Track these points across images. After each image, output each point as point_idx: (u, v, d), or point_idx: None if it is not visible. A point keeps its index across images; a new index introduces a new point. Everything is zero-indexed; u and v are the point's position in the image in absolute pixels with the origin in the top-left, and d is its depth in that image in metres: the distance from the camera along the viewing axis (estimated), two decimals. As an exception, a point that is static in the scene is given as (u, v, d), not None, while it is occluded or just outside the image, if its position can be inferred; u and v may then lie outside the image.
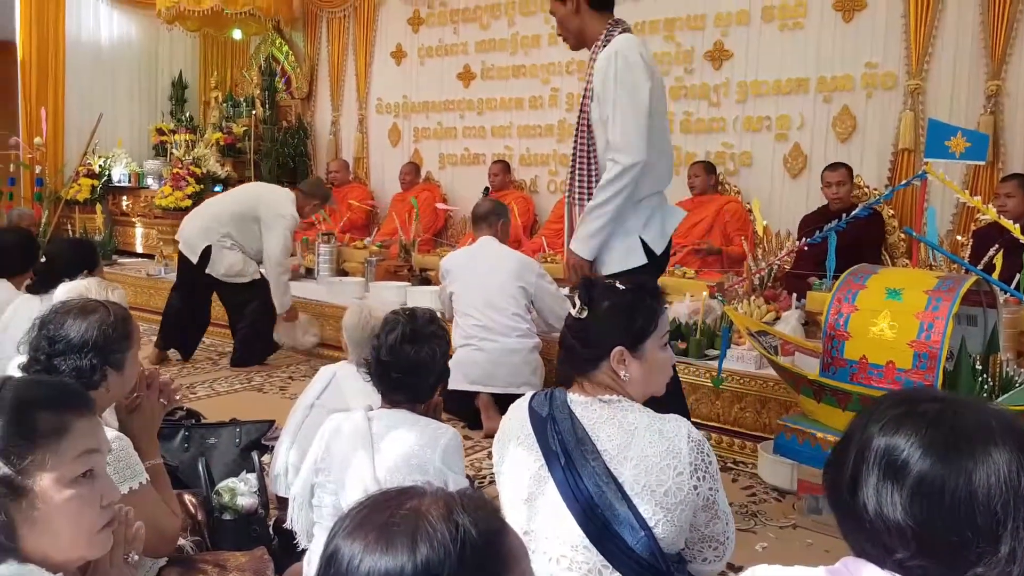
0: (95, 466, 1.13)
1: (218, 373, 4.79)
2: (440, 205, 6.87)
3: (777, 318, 4.15)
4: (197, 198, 7.36)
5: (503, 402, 3.77)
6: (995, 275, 2.91)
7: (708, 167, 5.66)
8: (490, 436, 3.72)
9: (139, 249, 8.22)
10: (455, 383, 3.46)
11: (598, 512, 1.52)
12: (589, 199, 2.75)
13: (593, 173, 2.79)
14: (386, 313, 2.07)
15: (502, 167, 6.70)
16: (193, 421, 2.91)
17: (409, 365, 1.91)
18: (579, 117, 2.87)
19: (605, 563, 1.51)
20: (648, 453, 1.54)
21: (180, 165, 7.45)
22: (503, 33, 6.90)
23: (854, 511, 0.94)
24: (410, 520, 0.77)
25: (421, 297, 5.15)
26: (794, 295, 4.18)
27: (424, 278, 5.68)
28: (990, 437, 0.90)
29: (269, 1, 7.50)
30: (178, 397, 2.03)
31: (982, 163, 3.12)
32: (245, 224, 4.90)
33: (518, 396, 3.58)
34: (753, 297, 4.41)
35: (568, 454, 1.57)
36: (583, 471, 1.55)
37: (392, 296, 5.15)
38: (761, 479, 3.14)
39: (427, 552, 0.75)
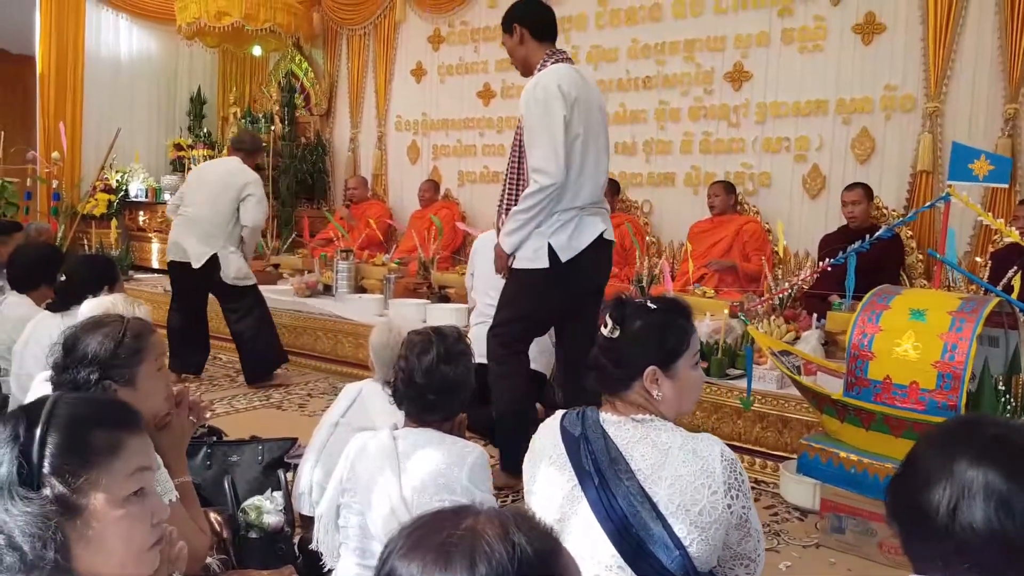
0: (146, 484, 1.12)
1: (236, 390, 4.80)
2: (460, 225, 6.92)
3: (797, 338, 4.17)
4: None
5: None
6: (1014, 296, 2.92)
7: (728, 187, 5.68)
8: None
9: (155, 264, 8.29)
10: None
11: (632, 532, 1.52)
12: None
13: (520, 187, 3.15)
14: (411, 332, 2.03)
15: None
16: (215, 438, 2.88)
17: (446, 385, 1.92)
18: (515, 136, 3.21)
19: None
20: (682, 472, 1.55)
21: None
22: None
23: (947, 534, 0.98)
24: (467, 540, 0.78)
25: (441, 314, 5.19)
26: (814, 315, 4.20)
27: (443, 295, 5.72)
28: None
29: (290, 18, 7.59)
30: (208, 415, 2.05)
31: (1005, 186, 3.14)
32: (234, 217, 4.97)
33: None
34: (773, 317, 4.43)
35: (602, 474, 1.57)
36: (617, 491, 1.55)
37: (412, 313, 5.19)
38: (783, 498, 3.15)
39: (486, 571, 0.75)
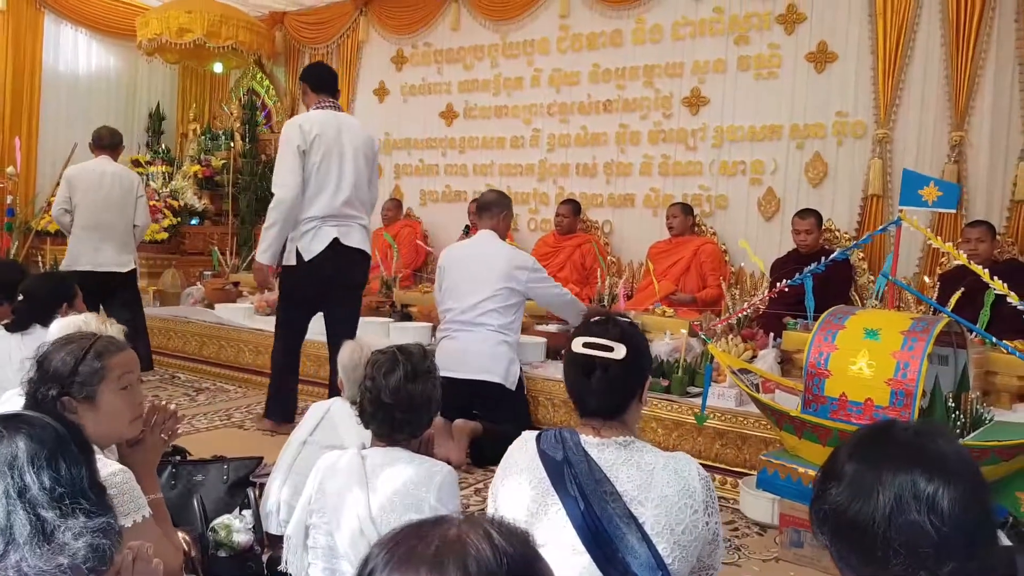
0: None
1: (196, 409, 4.74)
2: (420, 243, 6.94)
3: (754, 356, 4.26)
4: (174, 231, 7.36)
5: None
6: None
7: (686, 208, 5.80)
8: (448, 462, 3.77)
9: (112, 282, 8.15)
10: None
11: (619, 556, 1.54)
12: None
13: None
14: (375, 352, 2.03)
15: (478, 204, 6.80)
16: (179, 458, 2.86)
17: (414, 404, 1.93)
18: None
19: None
20: (667, 493, 1.57)
21: (156, 197, 7.42)
22: (486, 74, 7.06)
23: (884, 542, 1.03)
24: (456, 547, 0.79)
25: (404, 333, 5.19)
26: (771, 334, 4.30)
27: (405, 314, 5.72)
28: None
29: (252, 36, 7.57)
30: (179, 430, 2.04)
31: (953, 211, 3.28)
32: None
33: (484, 384, 3.69)
34: (731, 336, 4.53)
35: (587, 497, 1.57)
36: (603, 514, 1.56)
37: (375, 332, 5.18)
38: (743, 514, 3.22)
39: (479, 574, 0.78)
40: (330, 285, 4.10)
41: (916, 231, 3.30)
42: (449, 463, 3.78)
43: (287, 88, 8.37)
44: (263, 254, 4.09)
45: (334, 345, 4.03)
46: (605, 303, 5.29)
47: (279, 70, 8.47)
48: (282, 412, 4.27)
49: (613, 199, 6.45)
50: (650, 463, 1.64)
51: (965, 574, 1.02)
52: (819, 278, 4.53)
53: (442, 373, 3.91)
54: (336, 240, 4.03)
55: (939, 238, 2.84)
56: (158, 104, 9.05)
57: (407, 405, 1.91)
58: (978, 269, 2.60)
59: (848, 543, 1.07)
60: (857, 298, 5.04)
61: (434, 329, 4.95)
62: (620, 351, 1.64)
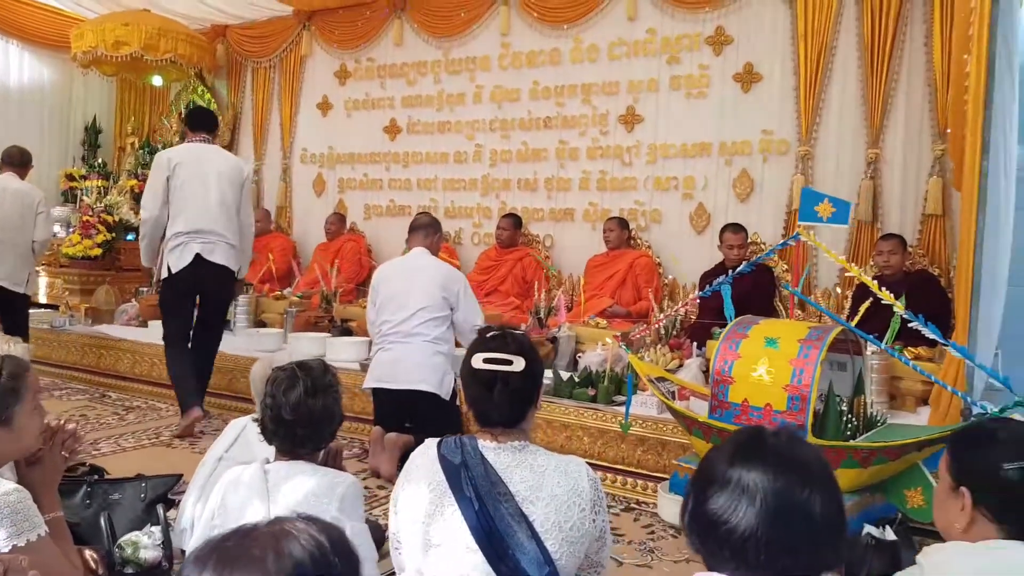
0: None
1: (124, 428, 4.69)
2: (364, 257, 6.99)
3: (681, 365, 4.42)
4: (108, 246, 7.26)
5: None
6: (854, 323, 3.22)
7: (622, 223, 5.96)
8: (376, 475, 3.85)
9: (43, 299, 7.89)
10: (366, 382, 4.21)
11: (510, 553, 1.63)
12: None
13: None
14: (274, 369, 2.04)
15: (411, 225, 6.85)
16: (96, 477, 2.86)
17: (315, 418, 1.96)
18: None
19: None
20: (557, 492, 1.69)
21: (90, 212, 7.30)
22: (429, 90, 7.15)
23: (730, 534, 1.12)
24: (272, 538, 0.86)
25: (342, 348, 5.23)
26: (695, 344, 4.46)
27: (346, 328, 5.76)
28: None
29: (192, 49, 7.51)
30: (81, 447, 2.04)
31: (845, 226, 3.46)
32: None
33: (419, 394, 3.80)
34: (659, 346, 4.68)
35: (481, 499, 1.67)
36: (495, 514, 1.65)
37: (311, 347, 5.21)
38: (660, 517, 3.34)
39: (300, 553, 0.85)
40: (196, 293, 4.73)
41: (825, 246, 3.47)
42: (379, 475, 3.88)
43: (229, 102, 8.35)
44: (143, 260, 4.90)
45: (194, 349, 4.74)
46: (541, 315, 5.41)
47: (221, 83, 8.42)
48: (187, 398, 4.63)
49: (554, 213, 6.58)
50: (542, 465, 1.75)
51: (826, 565, 1.14)
52: (743, 290, 4.72)
53: (377, 384, 4.12)
54: (199, 256, 4.54)
55: (833, 252, 2.99)
56: (95, 117, 8.91)
57: (308, 420, 1.95)
58: (868, 280, 2.77)
59: (721, 545, 1.13)
60: (781, 308, 5.24)
61: (371, 344, 5.01)
62: (519, 364, 1.74)
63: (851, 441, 2.74)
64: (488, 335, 1.84)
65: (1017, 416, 2.09)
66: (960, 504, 1.47)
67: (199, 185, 4.59)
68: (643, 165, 6.14)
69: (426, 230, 4.41)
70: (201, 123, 4.91)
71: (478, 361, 1.77)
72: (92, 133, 8.87)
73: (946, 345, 2.74)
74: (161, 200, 4.57)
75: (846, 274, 4.90)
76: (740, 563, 1.11)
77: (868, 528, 2.66)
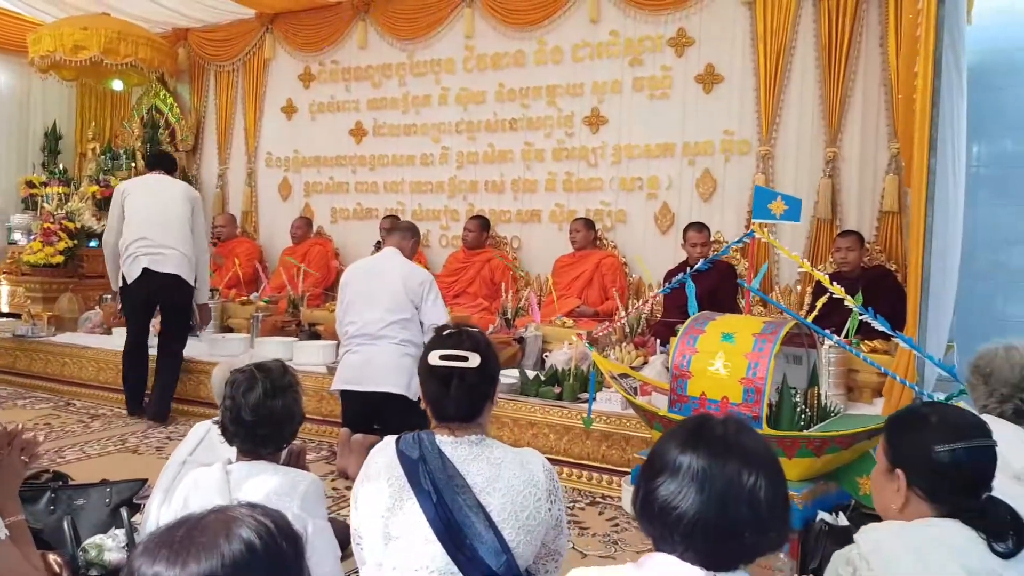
0: None
1: (89, 436, 4.66)
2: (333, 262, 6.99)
3: (645, 362, 4.48)
4: (70, 254, 7.17)
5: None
6: (812, 318, 3.30)
7: (588, 223, 6.02)
8: (344, 476, 3.87)
9: (4, 308, 7.79)
10: (333, 384, 4.20)
11: (467, 543, 1.67)
12: None
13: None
14: (233, 371, 2.06)
15: (392, 221, 6.89)
16: (60, 483, 2.84)
17: (275, 419, 1.99)
18: None
19: None
20: (513, 483, 1.73)
21: (51, 219, 7.19)
22: (394, 92, 7.16)
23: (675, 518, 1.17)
24: (219, 524, 0.89)
25: (310, 352, 5.23)
26: (659, 341, 4.53)
27: (313, 332, 5.75)
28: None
29: (153, 53, 7.41)
30: (42, 452, 2.04)
31: (798, 223, 3.55)
32: None
33: (387, 396, 3.84)
34: (624, 343, 4.74)
35: (439, 491, 1.71)
36: (453, 505, 1.69)
37: (278, 351, 5.18)
38: (624, 510, 3.40)
39: (249, 536, 0.88)
40: (151, 304, 5.10)
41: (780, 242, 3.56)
42: (347, 476, 3.89)
43: (192, 106, 8.28)
44: (111, 281, 5.33)
45: (158, 359, 5.11)
46: (509, 316, 5.45)
47: (183, 87, 8.35)
48: (131, 402, 5.07)
49: (521, 215, 6.62)
50: (499, 458, 1.79)
51: (770, 546, 1.19)
52: (707, 288, 4.80)
53: (345, 386, 4.12)
54: (146, 268, 4.90)
55: (787, 249, 3.07)
56: (54, 123, 8.76)
57: (268, 421, 1.97)
58: (821, 276, 2.85)
59: (672, 529, 1.17)
60: (745, 305, 5.32)
61: (339, 347, 5.01)
62: (475, 360, 1.78)
63: (805, 431, 2.81)
64: (444, 333, 1.87)
65: (963, 404, 2.16)
66: (896, 485, 1.54)
67: (150, 203, 5.03)
68: (608, 166, 6.21)
69: (403, 233, 4.44)
70: (159, 162, 5.36)
71: (435, 358, 1.80)
72: (52, 139, 8.72)
73: (895, 337, 2.82)
74: (116, 228, 5.03)
75: (805, 270, 5.01)
76: (689, 546, 1.16)
77: (822, 515, 2.74)
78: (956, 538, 1.42)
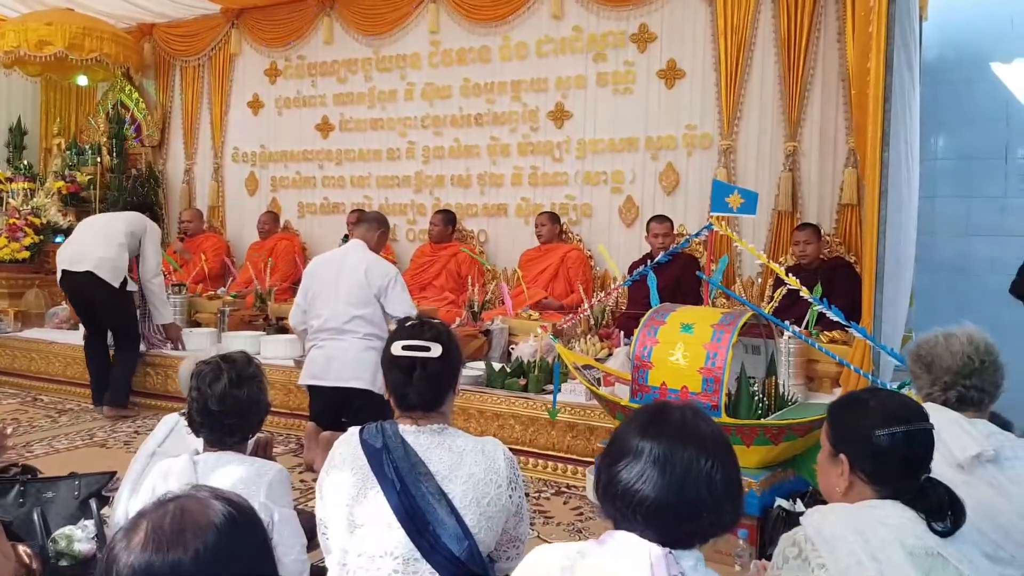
0: None
1: (57, 430, 4.65)
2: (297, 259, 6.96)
3: (610, 354, 4.55)
4: (36, 249, 7.10)
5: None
6: (770, 309, 3.39)
7: (553, 217, 6.08)
8: (310, 468, 3.90)
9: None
10: (301, 379, 4.21)
11: (430, 529, 1.72)
12: None
13: None
14: (199, 363, 2.10)
15: (360, 215, 6.88)
16: (29, 476, 2.85)
17: (241, 408, 2.02)
18: None
19: (432, 570, 1.71)
20: (475, 471, 1.78)
21: (17, 215, 7.12)
22: (360, 87, 7.15)
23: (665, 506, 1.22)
24: (193, 502, 0.95)
25: (276, 346, 5.23)
26: (623, 333, 4.60)
27: (280, 327, 5.74)
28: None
29: (118, 48, 7.33)
30: (11, 444, 2.06)
31: (754, 216, 3.63)
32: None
33: (351, 391, 3.87)
34: (589, 336, 4.81)
35: (403, 479, 1.75)
36: (416, 492, 1.74)
37: (244, 346, 5.17)
38: (588, 500, 3.46)
39: (227, 511, 0.94)
40: (79, 302, 5.39)
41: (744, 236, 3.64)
42: (313, 468, 3.91)
43: (158, 101, 8.20)
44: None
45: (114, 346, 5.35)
46: (476, 310, 5.49)
47: (149, 83, 8.27)
48: (95, 393, 5.20)
49: (487, 209, 6.66)
50: (460, 446, 1.84)
51: (724, 526, 1.25)
52: (670, 280, 4.88)
53: (311, 381, 4.15)
54: (64, 271, 5.26)
55: (745, 242, 3.15)
56: (19, 118, 8.63)
57: (234, 411, 2.01)
58: (777, 268, 2.94)
59: (635, 511, 1.23)
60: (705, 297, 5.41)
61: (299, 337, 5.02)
62: (436, 349, 1.83)
63: (763, 419, 2.89)
64: (407, 324, 1.91)
65: (911, 392, 2.25)
66: (839, 469, 1.61)
67: (92, 222, 5.57)
68: (573, 160, 6.27)
69: (369, 224, 4.45)
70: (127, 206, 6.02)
71: (397, 348, 1.84)
72: (17, 134, 8.59)
73: (849, 327, 2.91)
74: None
75: (782, 260, 5.11)
76: (649, 525, 1.23)
77: (780, 501, 2.82)
78: (897, 518, 1.49)
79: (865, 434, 1.56)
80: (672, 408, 1.34)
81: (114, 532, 0.96)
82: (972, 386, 1.96)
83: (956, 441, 1.87)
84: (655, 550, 1.20)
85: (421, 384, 1.82)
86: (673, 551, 1.21)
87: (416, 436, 1.83)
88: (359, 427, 1.91)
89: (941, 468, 1.69)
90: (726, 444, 1.29)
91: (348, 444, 1.88)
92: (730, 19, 5.65)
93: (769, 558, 2.70)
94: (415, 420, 1.86)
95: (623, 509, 1.25)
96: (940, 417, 1.80)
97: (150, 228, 5.46)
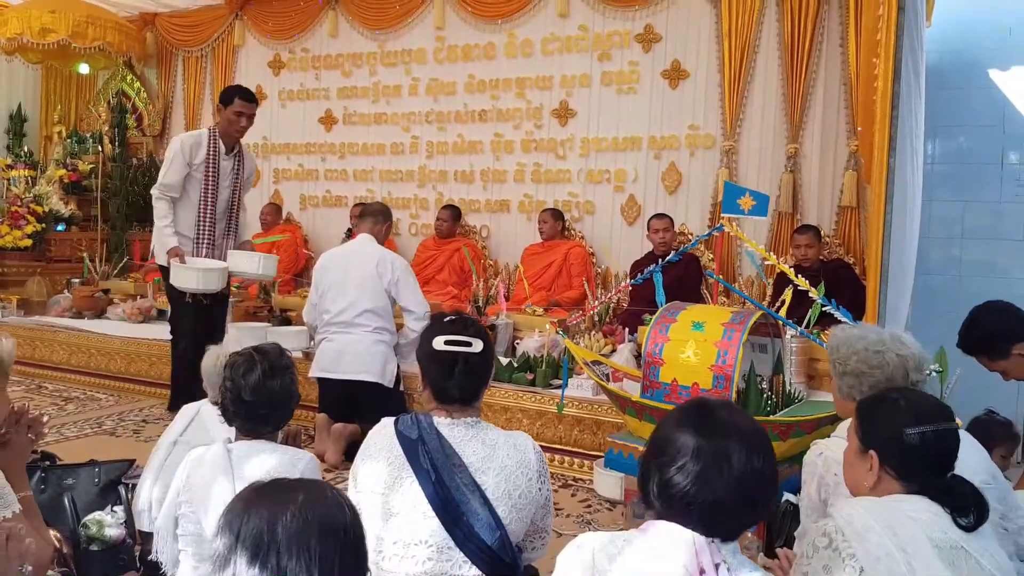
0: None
1: (65, 418, 4.67)
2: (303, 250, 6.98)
3: (613, 350, 4.62)
4: (38, 237, 7.10)
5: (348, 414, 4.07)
6: (784, 310, 3.46)
7: (556, 214, 6.13)
8: (320, 459, 3.95)
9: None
10: (311, 371, 4.25)
11: (464, 519, 1.77)
12: None
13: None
14: (232, 354, 2.14)
15: (363, 208, 6.91)
16: (49, 463, 2.88)
17: (274, 399, 2.07)
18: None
19: (465, 559, 1.77)
20: (507, 463, 1.84)
21: (19, 203, 7.13)
22: (364, 81, 7.18)
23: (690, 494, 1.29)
24: (313, 487, 1.04)
25: (284, 338, 5.24)
26: (627, 330, 4.66)
27: (285, 318, 5.78)
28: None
29: (120, 37, 7.34)
30: (46, 431, 2.10)
31: (764, 218, 3.70)
32: None
33: (362, 383, 3.91)
34: (593, 332, 4.88)
35: (437, 470, 1.80)
36: (451, 483, 1.79)
37: (253, 337, 5.21)
38: (596, 492, 3.53)
39: (338, 503, 1.02)
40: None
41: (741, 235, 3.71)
42: (323, 459, 3.97)
43: (159, 90, 8.19)
44: None
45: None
46: (480, 305, 5.54)
47: (151, 72, 8.27)
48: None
49: (490, 205, 6.71)
50: (493, 439, 1.89)
51: (761, 518, 1.33)
52: (672, 278, 4.94)
53: (322, 374, 4.20)
54: None
55: (754, 243, 3.22)
56: (19, 105, 8.61)
57: (268, 401, 2.05)
58: (787, 270, 3.01)
59: (689, 508, 1.28)
60: (708, 296, 5.50)
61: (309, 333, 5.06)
62: (478, 345, 1.89)
63: (771, 416, 2.97)
64: (446, 319, 1.97)
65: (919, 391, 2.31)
66: (868, 465, 1.67)
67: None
68: (576, 158, 6.33)
69: (375, 217, 4.50)
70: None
71: (439, 343, 1.89)
72: (17, 121, 8.56)
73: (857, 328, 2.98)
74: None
75: (766, 263, 5.18)
76: (704, 522, 1.28)
77: (787, 496, 2.89)
78: (923, 513, 1.56)
79: (896, 432, 1.62)
80: (714, 405, 1.39)
81: (231, 501, 1.05)
82: None
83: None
84: (699, 539, 1.26)
85: (462, 378, 1.88)
86: (715, 541, 1.27)
87: (451, 429, 1.88)
88: (393, 418, 1.96)
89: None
90: (768, 439, 1.36)
91: (383, 435, 1.93)
92: (735, 22, 5.71)
93: (775, 552, 2.78)
94: (450, 413, 1.90)
95: (678, 507, 1.29)
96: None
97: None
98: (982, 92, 5.50)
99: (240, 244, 5.04)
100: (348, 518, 1.06)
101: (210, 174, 4.74)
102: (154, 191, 4.82)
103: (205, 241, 4.79)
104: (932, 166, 5.58)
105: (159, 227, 4.74)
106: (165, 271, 4.74)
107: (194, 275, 4.53)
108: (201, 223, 4.80)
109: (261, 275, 4.88)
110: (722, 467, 1.28)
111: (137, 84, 8.18)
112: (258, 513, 1.00)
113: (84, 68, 7.95)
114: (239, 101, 4.76)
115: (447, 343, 1.87)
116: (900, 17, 3.55)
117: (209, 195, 4.76)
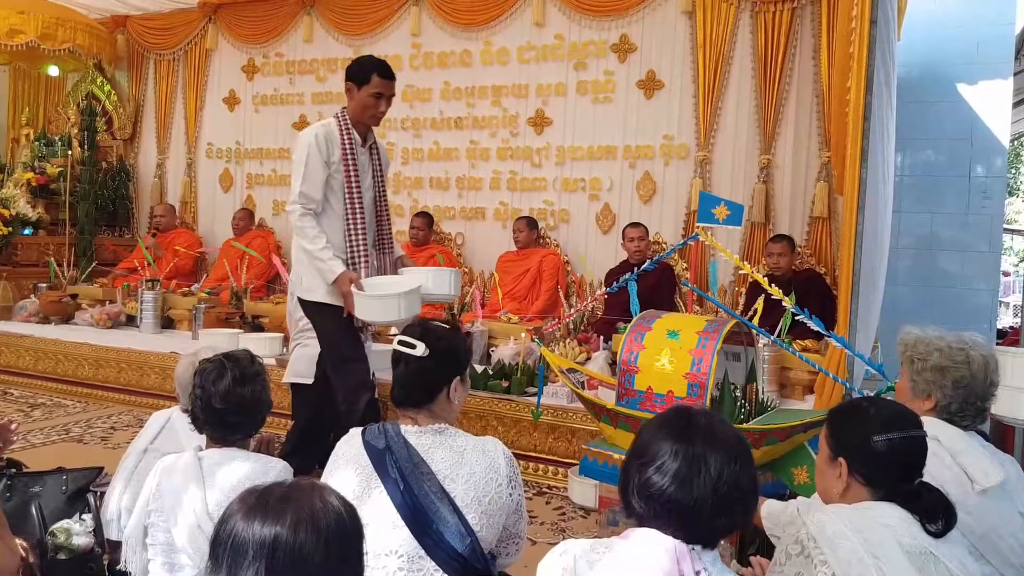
0: None
1: (32, 425, 4.58)
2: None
3: (588, 358, 4.63)
4: (4, 241, 6.96)
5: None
6: (757, 319, 3.49)
7: (531, 223, 6.15)
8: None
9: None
10: (285, 377, 4.12)
11: (433, 527, 1.77)
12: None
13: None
14: (202, 361, 2.12)
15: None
16: (15, 470, 2.82)
17: (245, 406, 2.05)
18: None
19: (436, 568, 1.76)
20: (476, 470, 1.83)
21: (-15, 206, 7.00)
22: (339, 87, 7.11)
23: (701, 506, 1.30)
24: (303, 491, 1.03)
25: (256, 344, 5.21)
26: (601, 338, 4.68)
27: (257, 325, 5.72)
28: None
29: (91, 40, 7.25)
30: (15, 439, 2.07)
31: (739, 227, 3.74)
32: None
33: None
34: (568, 340, 4.88)
35: (406, 479, 1.80)
36: (419, 492, 1.78)
37: (224, 343, 5.16)
38: (571, 500, 3.53)
39: (337, 505, 1.01)
40: None
41: (720, 244, 3.73)
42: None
43: (130, 93, 8.09)
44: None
45: None
46: (455, 312, 5.53)
47: (122, 75, 8.16)
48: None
49: (465, 212, 6.70)
50: (461, 445, 1.89)
51: (740, 524, 1.34)
52: (647, 287, 4.97)
53: (296, 379, 4.13)
54: None
55: (729, 252, 3.24)
56: (-14, 107, 8.49)
57: (238, 408, 2.03)
58: (761, 279, 3.03)
59: (669, 513, 1.30)
60: (681, 304, 5.53)
61: (285, 339, 5.01)
62: (420, 348, 1.89)
63: (744, 424, 2.98)
64: (411, 324, 1.98)
65: (889, 399, 2.34)
66: (838, 472, 1.69)
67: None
68: (552, 166, 6.35)
69: None
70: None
71: (395, 341, 1.94)
72: (-17, 124, 8.42)
73: (828, 337, 3.02)
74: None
75: (740, 272, 5.23)
76: (682, 526, 1.30)
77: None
78: (893, 519, 1.58)
79: (864, 439, 1.64)
80: (696, 412, 1.41)
81: (229, 506, 1.07)
82: (985, 408, 2.03)
83: (976, 465, 1.90)
84: (680, 546, 1.27)
85: (404, 379, 1.91)
86: (695, 548, 1.28)
87: (418, 436, 1.87)
88: (360, 428, 1.95)
89: (963, 496, 1.75)
90: (748, 447, 1.37)
91: (351, 445, 1.92)
92: (709, 33, 5.77)
93: (747, 560, 2.79)
94: (415, 420, 1.90)
95: (657, 509, 1.31)
96: (959, 441, 1.90)
97: None
98: (951, 106, 5.62)
99: (399, 259, 3.99)
100: (348, 518, 1.05)
101: (351, 173, 3.65)
102: (292, 208, 3.61)
103: (362, 259, 3.68)
104: (901, 178, 5.67)
105: (313, 251, 3.56)
106: (317, 307, 3.74)
107: (395, 303, 3.41)
108: (353, 237, 3.67)
109: (452, 296, 3.75)
110: (700, 468, 1.29)
111: (107, 87, 8.07)
112: (260, 520, 1.01)
113: (53, 70, 7.84)
114: (377, 79, 3.63)
115: (398, 343, 1.91)
116: (872, 31, 3.61)
117: (355, 200, 3.66)
